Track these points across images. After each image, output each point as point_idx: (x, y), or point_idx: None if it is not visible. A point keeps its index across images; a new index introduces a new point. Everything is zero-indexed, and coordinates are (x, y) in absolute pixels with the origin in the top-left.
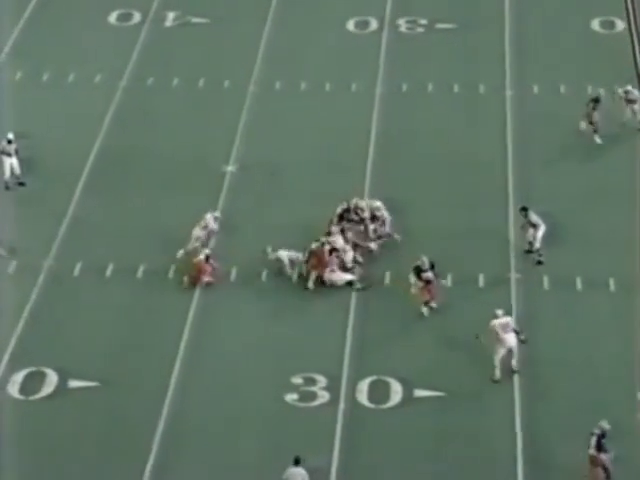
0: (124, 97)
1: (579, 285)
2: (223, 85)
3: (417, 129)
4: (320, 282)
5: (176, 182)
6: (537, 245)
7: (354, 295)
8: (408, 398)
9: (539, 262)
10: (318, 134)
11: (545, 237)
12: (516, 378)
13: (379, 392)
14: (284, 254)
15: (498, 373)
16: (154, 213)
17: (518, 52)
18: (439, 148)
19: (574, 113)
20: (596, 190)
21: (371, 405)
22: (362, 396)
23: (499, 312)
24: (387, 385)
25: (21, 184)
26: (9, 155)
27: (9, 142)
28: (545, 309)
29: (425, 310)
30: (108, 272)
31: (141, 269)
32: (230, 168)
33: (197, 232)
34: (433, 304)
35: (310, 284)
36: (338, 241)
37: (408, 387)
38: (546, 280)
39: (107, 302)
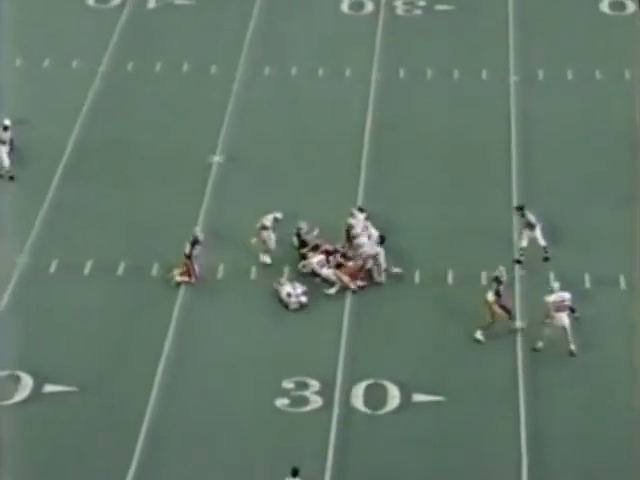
0: (103, 83)
1: (587, 283)
2: (209, 70)
3: (415, 117)
4: (313, 275)
5: (159, 173)
6: (542, 243)
7: (349, 296)
8: (406, 403)
9: (546, 259)
10: (310, 122)
11: (546, 234)
12: (520, 381)
13: (375, 397)
14: (287, 289)
15: (540, 344)
16: (136, 206)
17: (522, 35)
18: (438, 138)
19: (582, 101)
20: (605, 184)
21: (367, 410)
22: (358, 401)
23: (555, 285)
24: (384, 389)
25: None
26: (4, 143)
27: (5, 129)
28: None
29: (480, 335)
30: (87, 269)
31: (122, 266)
32: (217, 158)
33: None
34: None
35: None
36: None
37: (406, 391)
38: (552, 277)
39: (86, 301)
